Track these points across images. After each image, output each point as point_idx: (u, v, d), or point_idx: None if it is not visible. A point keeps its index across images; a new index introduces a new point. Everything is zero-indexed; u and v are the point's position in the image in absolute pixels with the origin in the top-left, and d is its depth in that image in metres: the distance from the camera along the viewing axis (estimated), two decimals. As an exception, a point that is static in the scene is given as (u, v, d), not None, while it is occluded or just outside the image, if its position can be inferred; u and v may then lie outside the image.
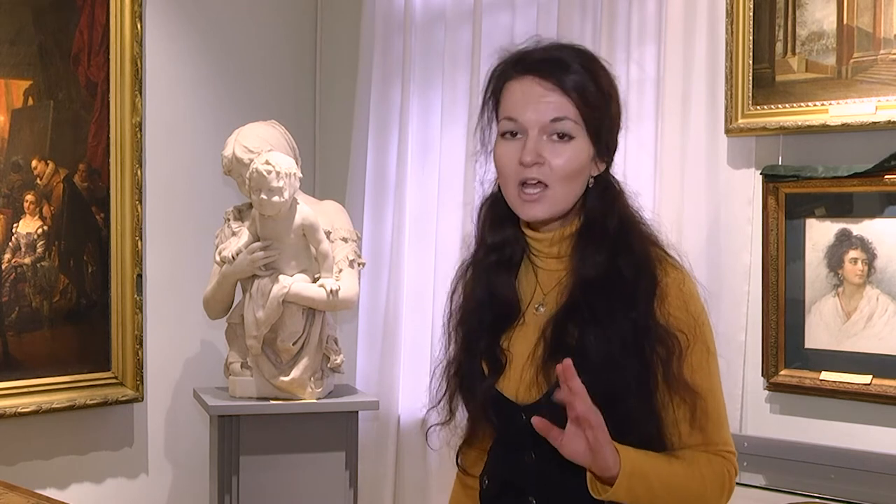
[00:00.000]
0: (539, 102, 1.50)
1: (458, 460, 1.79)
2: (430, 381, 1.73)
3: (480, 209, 1.67)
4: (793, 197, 2.65)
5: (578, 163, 1.52)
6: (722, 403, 1.56)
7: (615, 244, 1.53)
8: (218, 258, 2.99)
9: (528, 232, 1.61)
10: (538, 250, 1.60)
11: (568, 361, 1.39)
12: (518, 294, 1.61)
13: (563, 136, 1.50)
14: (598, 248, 1.53)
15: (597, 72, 1.54)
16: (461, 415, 1.71)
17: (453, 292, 1.69)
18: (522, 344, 1.58)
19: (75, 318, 3.05)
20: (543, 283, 1.60)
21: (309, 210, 2.96)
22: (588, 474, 1.46)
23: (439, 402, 1.68)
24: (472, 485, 1.76)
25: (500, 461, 1.66)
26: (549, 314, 1.56)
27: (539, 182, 1.50)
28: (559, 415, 1.43)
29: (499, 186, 1.62)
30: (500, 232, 1.62)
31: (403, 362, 3.41)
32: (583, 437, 1.40)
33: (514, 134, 1.53)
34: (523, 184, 1.51)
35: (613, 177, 1.61)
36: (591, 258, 1.53)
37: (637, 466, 1.44)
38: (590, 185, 1.56)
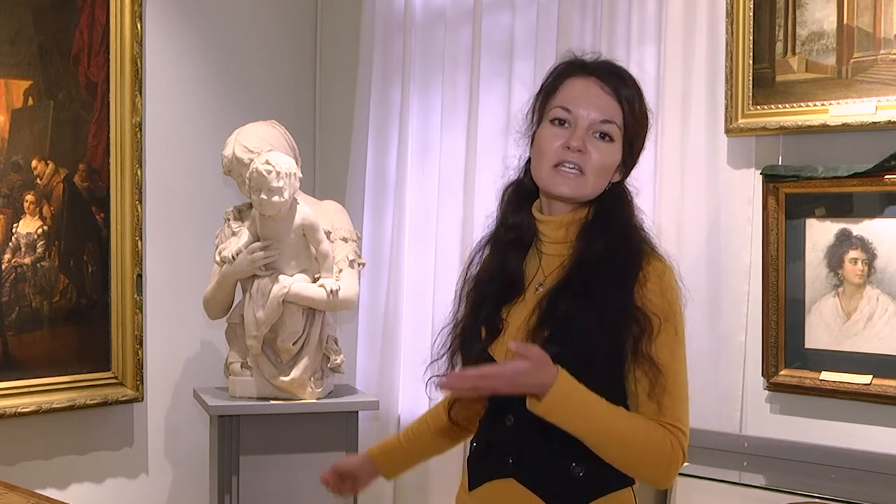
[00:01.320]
0: (595, 101, 1.69)
1: (449, 406, 1.92)
2: (435, 339, 1.87)
3: (504, 191, 1.84)
4: (793, 197, 2.65)
5: (611, 162, 1.71)
6: (682, 385, 1.68)
7: (616, 239, 1.70)
8: (218, 258, 3.00)
9: (538, 216, 1.78)
10: (544, 234, 1.77)
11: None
12: (524, 273, 1.78)
13: (605, 137, 1.69)
14: (601, 239, 1.70)
15: (642, 97, 1.74)
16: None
17: (470, 263, 1.86)
18: (519, 315, 1.73)
19: (75, 318, 3.06)
20: (545, 267, 1.76)
21: (309, 210, 2.96)
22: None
23: (442, 356, 1.83)
24: (447, 422, 1.92)
25: (485, 425, 1.81)
26: (545, 292, 1.73)
27: (576, 166, 1.68)
28: None
29: (524, 172, 1.81)
30: (518, 214, 1.79)
31: (403, 362, 3.41)
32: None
33: (562, 123, 1.70)
34: (560, 164, 1.68)
35: (627, 188, 1.78)
36: (594, 244, 1.70)
37: (574, 386, 1.59)
38: (607, 189, 1.74)
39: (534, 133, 1.76)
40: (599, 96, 1.69)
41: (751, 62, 2.67)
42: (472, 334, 1.78)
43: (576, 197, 1.71)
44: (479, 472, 1.79)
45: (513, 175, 1.85)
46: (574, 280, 1.68)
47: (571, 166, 1.67)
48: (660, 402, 1.64)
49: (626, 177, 1.77)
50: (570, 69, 1.74)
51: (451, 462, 3.23)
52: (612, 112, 1.69)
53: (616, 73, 1.72)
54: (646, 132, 1.75)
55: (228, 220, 3.06)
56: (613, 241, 1.69)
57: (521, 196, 1.81)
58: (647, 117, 1.74)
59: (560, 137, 1.68)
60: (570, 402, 1.58)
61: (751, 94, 2.68)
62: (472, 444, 1.85)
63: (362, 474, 2.04)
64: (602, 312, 1.64)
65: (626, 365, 1.66)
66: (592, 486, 1.69)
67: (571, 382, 1.59)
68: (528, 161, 1.79)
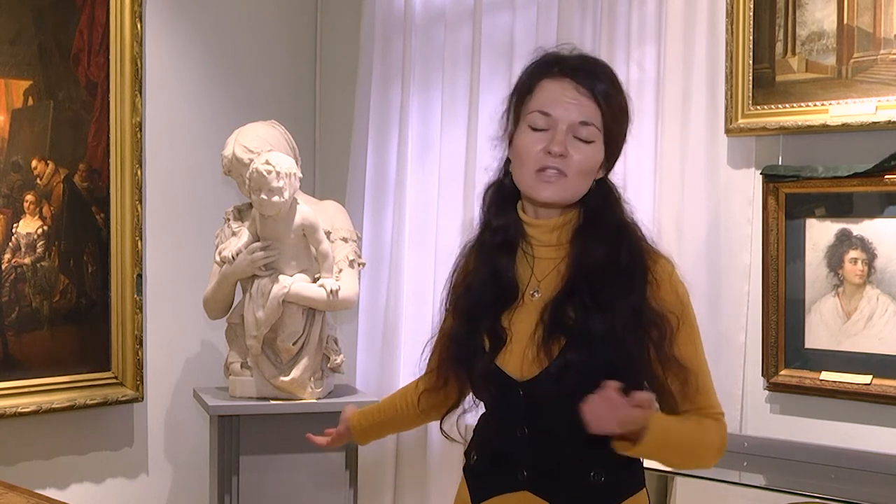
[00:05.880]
0: (572, 103, 1.65)
1: (419, 397, 1.94)
2: (423, 351, 1.89)
3: (485, 193, 1.80)
4: (793, 197, 2.65)
5: (593, 163, 1.67)
6: (708, 374, 1.71)
7: (614, 239, 1.68)
8: (218, 258, 3.00)
9: (525, 219, 1.73)
10: (533, 237, 1.73)
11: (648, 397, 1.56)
12: (516, 278, 1.73)
13: (585, 139, 1.65)
14: (599, 241, 1.68)
15: (620, 89, 1.70)
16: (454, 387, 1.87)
17: (455, 270, 1.82)
18: (522, 323, 1.69)
19: (75, 318, 3.06)
20: (538, 271, 1.72)
21: (309, 210, 2.96)
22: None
23: (432, 370, 1.84)
24: (416, 408, 1.95)
25: (491, 435, 1.77)
26: (544, 299, 1.69)
27: (558, 170, 1.64)
28: (553, 388, 1.62)
29: (503, 173, 1.76)
30: (503, 216, 1.74)
31: (403, 362, 3.41)
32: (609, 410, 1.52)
33: (540, 128, 1.66)
34: (543, 169, 1.65)
35: (612, 183, 1.76)
36: (592, 249, 1.67)
37: (664, 420, 1.62)
38: (592, 187, 1.70)
39: (511, 134, 1.72)
40: (575, 97, 1.65)
41: (751, 62, 2.67)
42: (474, 346, 1.72)
43: (560, 201, 1.68)
44: (485, 485, 1.74)
45: (492, 176, 1.80)
46: (579, 288, 1.65)
47: (553, 171, 1.64)
48: (694, 400, 1.67)
49: (609, 172, 1.74)
50: (543, 70, 1.69)
51: (452, 462, 3.23)
52: (590, 113, 1.65)
53: (590, 71, 1.67)
54: (626, 126, 1.72)
55: (228, 220, 3.06)
56: (612, 244, 1.67)
57: (504, 197, 1.76)
58: (626, 111, 1.70)
59: (540, 142, 1.65)
60: (662, 441, 1.59)
61: (751, 94, 2.68)
62: (469, 455, 1.80)
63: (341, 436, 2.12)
64: (618, 319, 1.62)
65: (652, 368, 1.66)
66: (612, 492, 1.69)
67: (662, 418, 1.63)
68: (508, 162, 1.75)
